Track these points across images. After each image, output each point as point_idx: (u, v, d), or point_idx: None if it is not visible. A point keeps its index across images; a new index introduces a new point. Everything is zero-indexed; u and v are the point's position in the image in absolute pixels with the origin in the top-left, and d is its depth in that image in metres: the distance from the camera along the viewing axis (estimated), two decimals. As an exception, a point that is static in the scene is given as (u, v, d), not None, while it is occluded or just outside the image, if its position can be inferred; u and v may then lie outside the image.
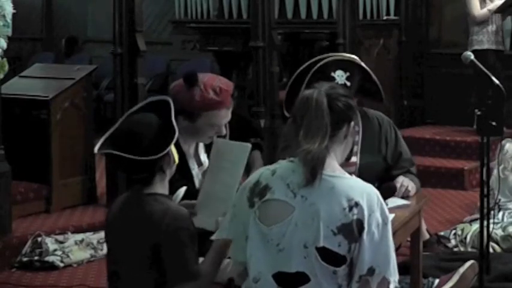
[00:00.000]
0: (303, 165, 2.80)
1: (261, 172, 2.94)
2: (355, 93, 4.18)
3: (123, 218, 3.24)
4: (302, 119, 2.83)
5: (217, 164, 3.61)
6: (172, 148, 3.23)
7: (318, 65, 4.16)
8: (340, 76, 4.14)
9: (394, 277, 2.83)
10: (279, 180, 2.86)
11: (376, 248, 2.79)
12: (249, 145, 3.60)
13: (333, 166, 2.87)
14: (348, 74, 4.15)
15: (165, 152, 3.16)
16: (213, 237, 3.16)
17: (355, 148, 4.35)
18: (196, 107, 3.75)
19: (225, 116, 3.86)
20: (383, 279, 2.82)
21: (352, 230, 2.76)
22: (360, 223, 2.77)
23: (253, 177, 2.94)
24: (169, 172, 3.27)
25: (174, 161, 3.25)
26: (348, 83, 4.14)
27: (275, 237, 2.82)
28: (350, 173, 3.97)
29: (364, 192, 2.82)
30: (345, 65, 4.19)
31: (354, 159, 4.34)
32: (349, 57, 4.37)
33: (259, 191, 2.88)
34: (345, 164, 4.29)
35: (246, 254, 2.88)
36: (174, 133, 3.18)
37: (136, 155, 3.11)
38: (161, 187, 3.24)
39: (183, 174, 3.72)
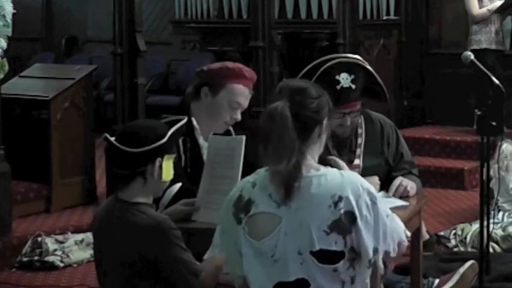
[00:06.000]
0: (276, 185, 2.77)
1: (243, 185, 2.90)
2: (360, 95, 4.18)
3: (107, 227, 3.23)
4: (269, 135, 2.76)
5: (212, 159, 3.64)
6: (166, 165, 3.21)
7: (323, 68, 4.13)
8: (344, 79, 4.11)
9: (393, 245, 2.85)
10: (261, 192, 2.83)
11: (373, 229, 2.79)
12: (243, 137, 3.62)
13: (307, 166, 2.81)
14: (352, 76, 4.12)
15: (143, 150, 3.14)
16: (205, 256, 3.15)
17: (358, 151, 4.33)
18: (226, 74, 3.92)
19: (246, 96, 3.99)
20: (385, 252, 2.84)
21: (343, 224, 2.76)
22: (349, 214, 2.76)
23: (235, 191, 2.90)
24: (153, 186, 3.22)
25: (161, 177, 3.21)
26: (353, 86, 4.11)
27: (268, 249, 2.80)
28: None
29: (345, 181, 2.79)
30: (350, 68, 4.16)
31: (357, 161, 4.31)
32: (353, 58, 4.32)
33: (243, 206, 2.85)
34: (348, 167, 4.28)
35: (243, 268, 2.87)
36: (160, 139, 3.17)
37: (120, 144, 3.15)
38: (144, 198, 3.21)
39: (196, 168, 3.75)
